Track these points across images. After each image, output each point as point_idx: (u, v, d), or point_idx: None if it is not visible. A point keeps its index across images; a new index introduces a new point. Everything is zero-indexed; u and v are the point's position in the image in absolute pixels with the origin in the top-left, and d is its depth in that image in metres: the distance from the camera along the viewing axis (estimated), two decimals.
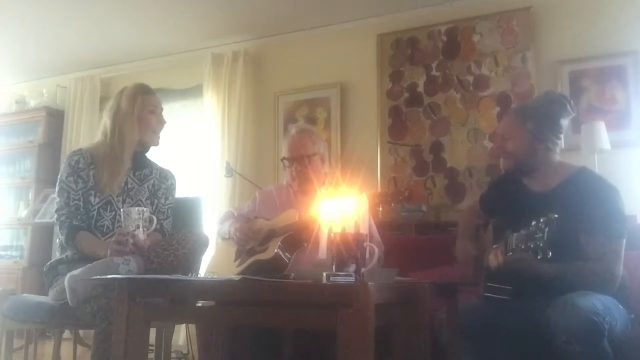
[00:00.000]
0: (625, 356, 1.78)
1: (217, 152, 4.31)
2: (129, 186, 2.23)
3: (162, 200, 2.31)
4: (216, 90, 4.43)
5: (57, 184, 2.18)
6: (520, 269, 1.80)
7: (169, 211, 2.32)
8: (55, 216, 2.15)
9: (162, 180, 2.34)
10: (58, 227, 2.15)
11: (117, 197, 2.18)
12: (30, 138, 5.09)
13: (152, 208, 2.24)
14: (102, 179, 2.15)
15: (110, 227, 2.14)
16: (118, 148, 2.18)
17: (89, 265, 1.87)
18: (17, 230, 5.01)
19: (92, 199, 2.15)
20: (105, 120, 2.25)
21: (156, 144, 2.31)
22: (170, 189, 2.36)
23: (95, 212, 2.14)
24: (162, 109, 2.33)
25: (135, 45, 4.59)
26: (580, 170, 2.00)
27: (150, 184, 2.30)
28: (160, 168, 2.39)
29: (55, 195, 2.19)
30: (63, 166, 2.20)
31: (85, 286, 1.82)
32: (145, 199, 2.25)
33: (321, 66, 4.22)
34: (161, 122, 2.30)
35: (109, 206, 2.16)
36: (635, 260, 2.21)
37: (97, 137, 2.28)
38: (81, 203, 2.14)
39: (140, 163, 2.30)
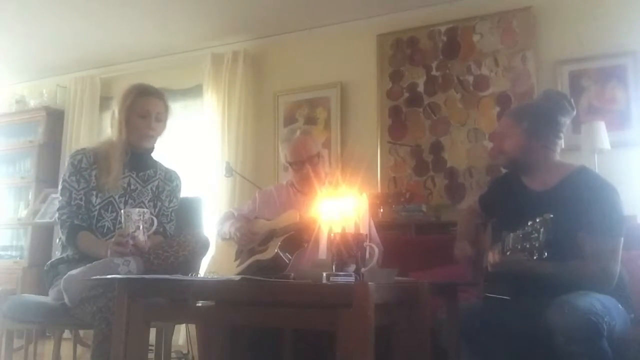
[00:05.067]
0: (624, 356, 1.78)
1: (217, 152, 4.32)
2: (132, 187, 2.20)
3: (166, 203, 2.27)
4: (216, 90, 4.43)
5: (60, 182, 2.16)
6: (516, 268, 1.80)
7: (173, 214, 2.29)
8: (57, 215, 2.14)
9: (166, 182, 2.30)
10: (59, 226, 2.14)
11: (118, 197, 2.16)
12: (30, 138, 5.09)
13: (154, 210, 2.22)
14: (101, 179, 2.14)
15: (111, 227, 2.12)
16: (110, 149, 2.16)
17: (89, 265, 1.87)
18: (17, 230, 5.01)
19: (93, 199, 2.13)
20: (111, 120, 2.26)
21: (148, 147, 2.25)
22: (175, 190, 2.33)
23: (96, 213, 2.12)
24: (161, 112, 2.22)
25: (135, 45, 4.59)
26: (579, 170, 2.01)
27: (154, 185, 2.26)
28: (166, 169, 2.35)
29: (58, 194, 2.17)
30: (66, 165, 2.18)
31: (82, 287, 1.81)
32: (148, 201, 2.22)
33: (321, 66, 4.22)
34: (153, 128, 2.19)
35: (110, 207, 2.14)
36: (635, 260, 2.22)
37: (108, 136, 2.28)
38: (83, 203, 2.12)
39: (143, 164, 2.26)
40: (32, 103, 5.19)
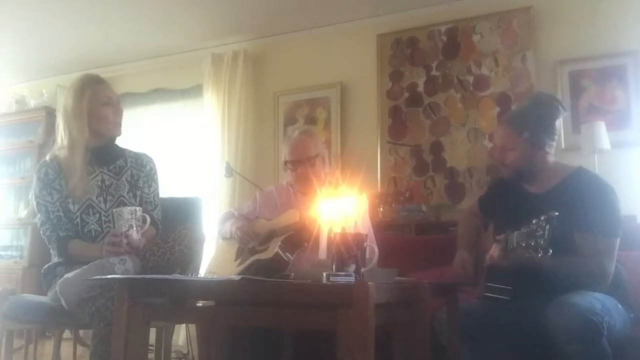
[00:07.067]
0: (624, 356, 1.78)
1: (217, 152, 4.31)
2: (107, 183, 2.13)
3: (146, 190, 2.21)
4: (216, 90, 4.42)
5: (34, 199, 2.09)
6: (517, 264, 1.80)
7: (156, 199, 2.22)
8: (41, 232, 2.09)
9: (139, 168, 2.22)
10: (47, 242, 2.09)
11: (96, 198, 2.09)
12: (30, 138, 5.09)
13: (136, 200, 2.16)
14: (70, 184, 2.05)
15: (99, 229, 2.07)
16: (69, 150, 2.06)
17: (84, 267, 1.84)
18: (17, 230, 5.01)
19: (71, 207, 2.07)
20: (58, 122, 2.12)
21: (118, 134, 2.18)
22: (151, 174, 2.25)
23: (78, 220, 2.07)
24: (118, 96, 2.19)
25: (135, 45, 4.58)
26: (577, 170, 2.01)
27: (127, 175, 2.18)
28: (135, 154, 2.26)
29: (35, 211, 2.11)
30: (34, 181, 2.09)
31: (78, 289, 1.79)
32: (127, 193, 2.15)
33: (321, 66, 4.22)
34: (119, 113, 2.14)
35: (90, 210, 2.08)
36: (635, 260, 2.22)
37: (57, 142, 2.14)
38: (61, 214, 2.06)
39: (111, 155, 2.18)
40: (32, 103, 5.19)
